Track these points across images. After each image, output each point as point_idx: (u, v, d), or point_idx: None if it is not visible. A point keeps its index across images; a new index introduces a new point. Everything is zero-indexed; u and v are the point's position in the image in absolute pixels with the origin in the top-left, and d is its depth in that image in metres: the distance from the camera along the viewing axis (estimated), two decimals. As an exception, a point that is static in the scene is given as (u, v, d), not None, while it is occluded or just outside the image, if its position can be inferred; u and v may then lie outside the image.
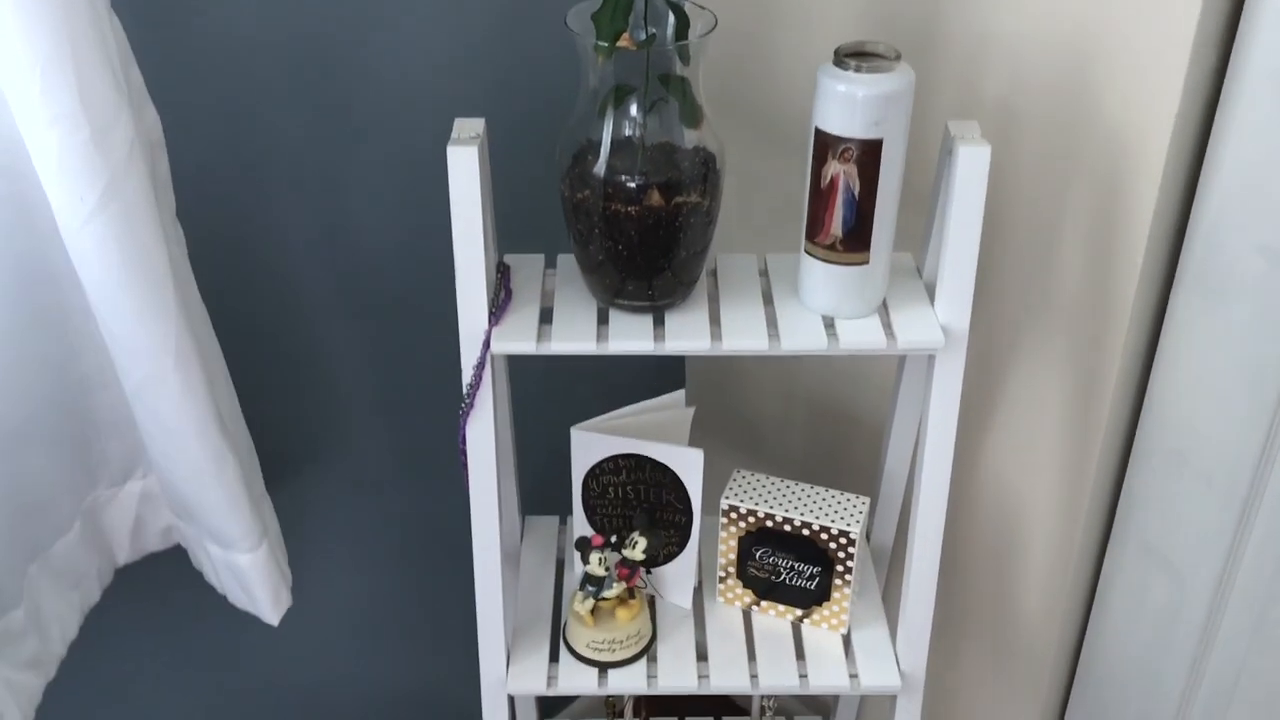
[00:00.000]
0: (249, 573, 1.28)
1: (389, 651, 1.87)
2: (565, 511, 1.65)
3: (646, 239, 1.26)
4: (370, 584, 1.79)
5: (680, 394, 1.57)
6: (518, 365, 1.52)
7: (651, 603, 1.61)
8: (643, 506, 1.57)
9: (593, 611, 1.52)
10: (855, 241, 1.28)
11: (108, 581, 1.37)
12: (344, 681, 1.83)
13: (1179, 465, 1.54)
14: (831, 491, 1.54)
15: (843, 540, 1.50)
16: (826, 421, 1.92)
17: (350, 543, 1.72)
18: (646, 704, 1.99)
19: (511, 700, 1.55)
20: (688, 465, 1.51)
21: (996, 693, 1.86)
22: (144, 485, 1.35)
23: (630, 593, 1.53)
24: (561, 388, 1.77)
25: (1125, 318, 1.46)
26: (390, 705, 1.91)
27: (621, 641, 1.51)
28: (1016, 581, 1.74)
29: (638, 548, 1.50)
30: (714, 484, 1.54)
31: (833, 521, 1.50)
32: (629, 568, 1.51)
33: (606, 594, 1.50)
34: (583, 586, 1.51)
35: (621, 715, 1.89)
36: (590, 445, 1.54)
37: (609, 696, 1.87)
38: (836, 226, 1.27)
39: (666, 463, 1.52)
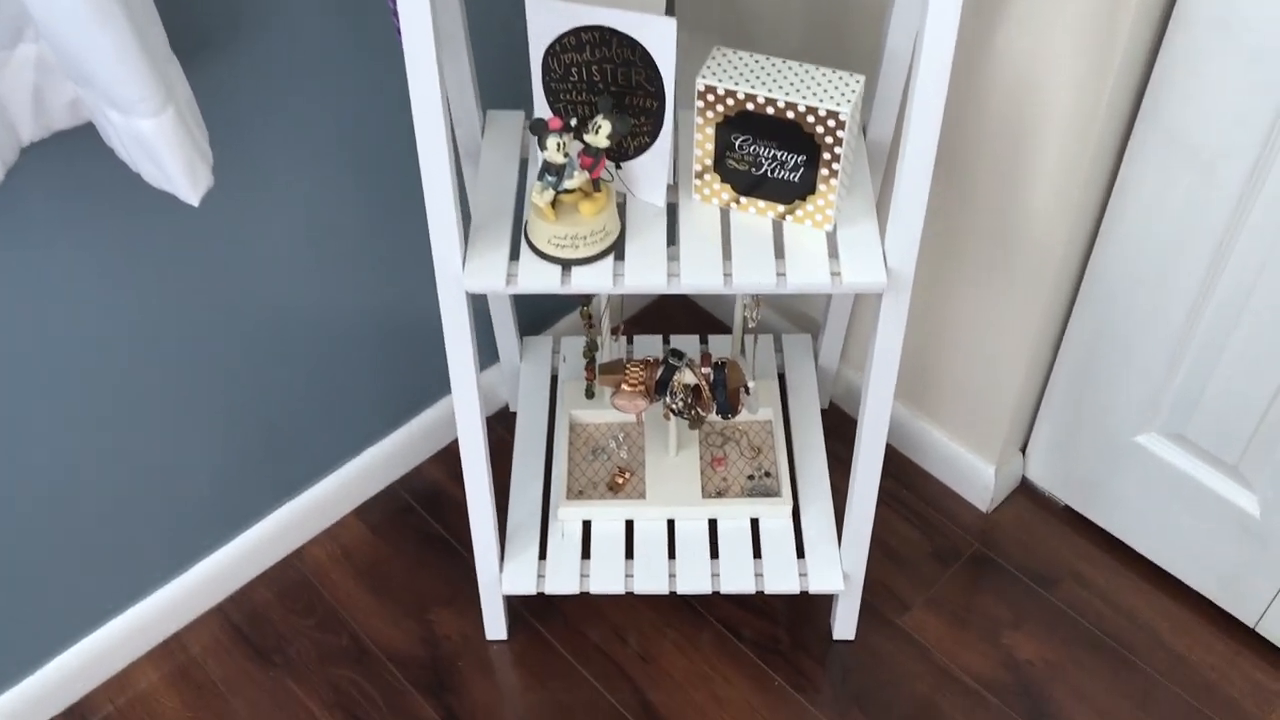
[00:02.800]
0: (154, 141, 1.14)
1: (343, 261, 1.76)
2: (532, 106, 1.48)
3: None
4: (317, 185, 1.65)
5: (653, -42, 1.37)
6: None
7: (623, 205, 1.48)
8: (609, 89, 1.40)
9: (554, 205, 1.39)
10: None
11: (12, 160, 1.24)
12: (296, 293, 1.73)
13: (1221, 38, 1.35)
14: (822, 70, 1.37)
15: (831, 124, 1.34)
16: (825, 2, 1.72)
17: (291, 136, 1.56)
18: (625, 325, 1.90)
19: (470, 300, 1.44)
20: (659, 38, 1.33)
21: (998, 292, 1.75)
22: (38, 51, 1.19)
23: (595, 185, 1.38)
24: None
25: None
26: (346, 318, 1.82)
27: (585, 237, 1.38)
28: (1027, 173, 1.59)
29: (601, 132, 1.35)
30: (695, 71, 1.37)
31: (821, 101, 1.33)
32: (592, 155, 1.36)
33: (568, 184, 1.36)
34: (541, 176, 1.37)
35: (600, 332, 1.80)
36: (549, 15, 1.36)
37: (584, 310, 1.77)
38: None
39: (635, 36, 1.34)
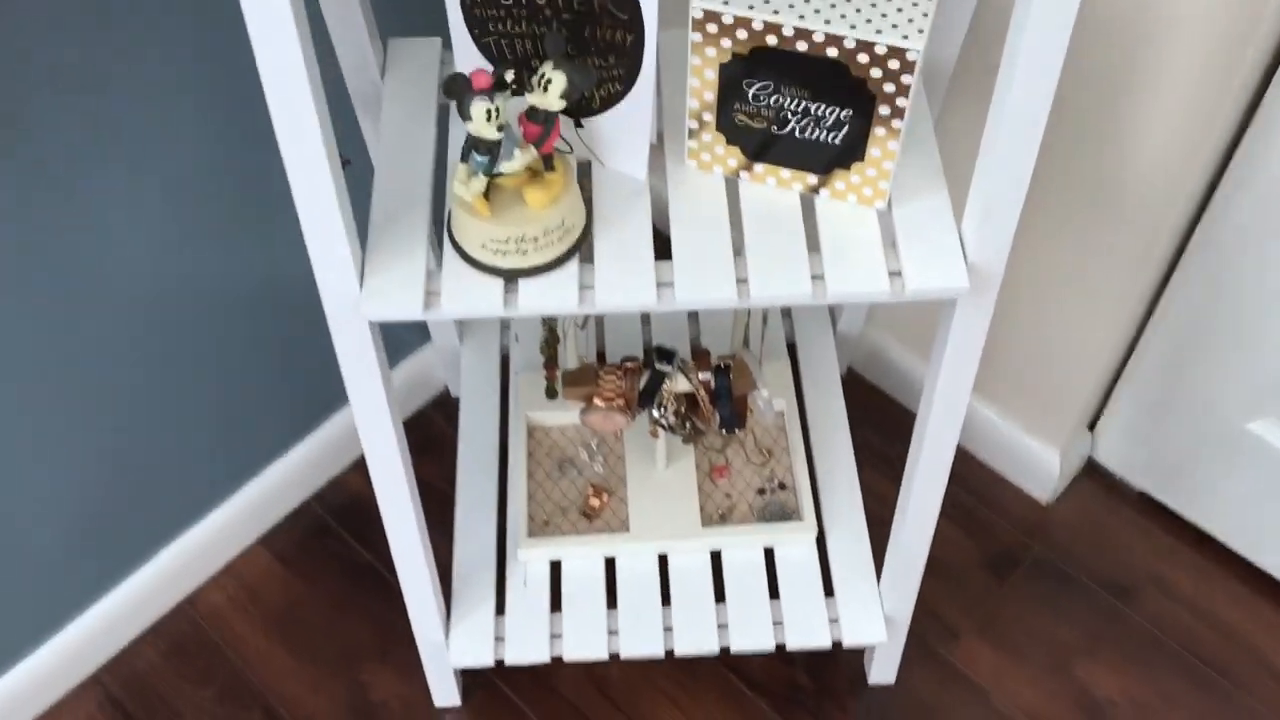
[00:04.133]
0: None
1: (215, 233, 1.31)
2: (449, 32, 1.03)
3: None
4: (172, 142, 1.20)
5: None
6: None
7: (586, 179, 1.04)
8: (560, 18, 0.95)
9: (489, 195, 0.95)
10: None
11: None
12: (161, 278, 1.29)
13: None
14: (875, -18, 0.92)
15: (894, 65, 0.90)
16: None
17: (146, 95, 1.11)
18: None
19: (377, 329, 1.02)
20: (632, -58, 0.88)
21: (1082, 247, 1.35)
22: None
23: (547, 162, 0.95)
24: None
25: None
26: (227, 306, 1.38)
27: (536, 239, 0.95)
28: (1141, 106, 1.17)
29: (552, 89, 0.91)
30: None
31: (880, 33, 0.89)
32: (540, 123, 0.92)
33: (505, 168, 0.92)
34: (467, 156, 0.93)
35: (556, 342, 1.37)
36: (463, -88, 0.90)
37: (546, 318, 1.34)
38: None
39: (596, -61, 0.88)
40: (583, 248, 0.99)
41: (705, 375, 1.27)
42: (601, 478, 1.45)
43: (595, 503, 1.42)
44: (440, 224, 1.07)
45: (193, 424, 1.43)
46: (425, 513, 1.22)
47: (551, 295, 0.97)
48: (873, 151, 0.97)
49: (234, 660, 1.51)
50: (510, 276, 0.97)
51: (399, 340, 1.61)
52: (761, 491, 1.44)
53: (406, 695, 1.48)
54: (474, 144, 0.91)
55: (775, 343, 1.56)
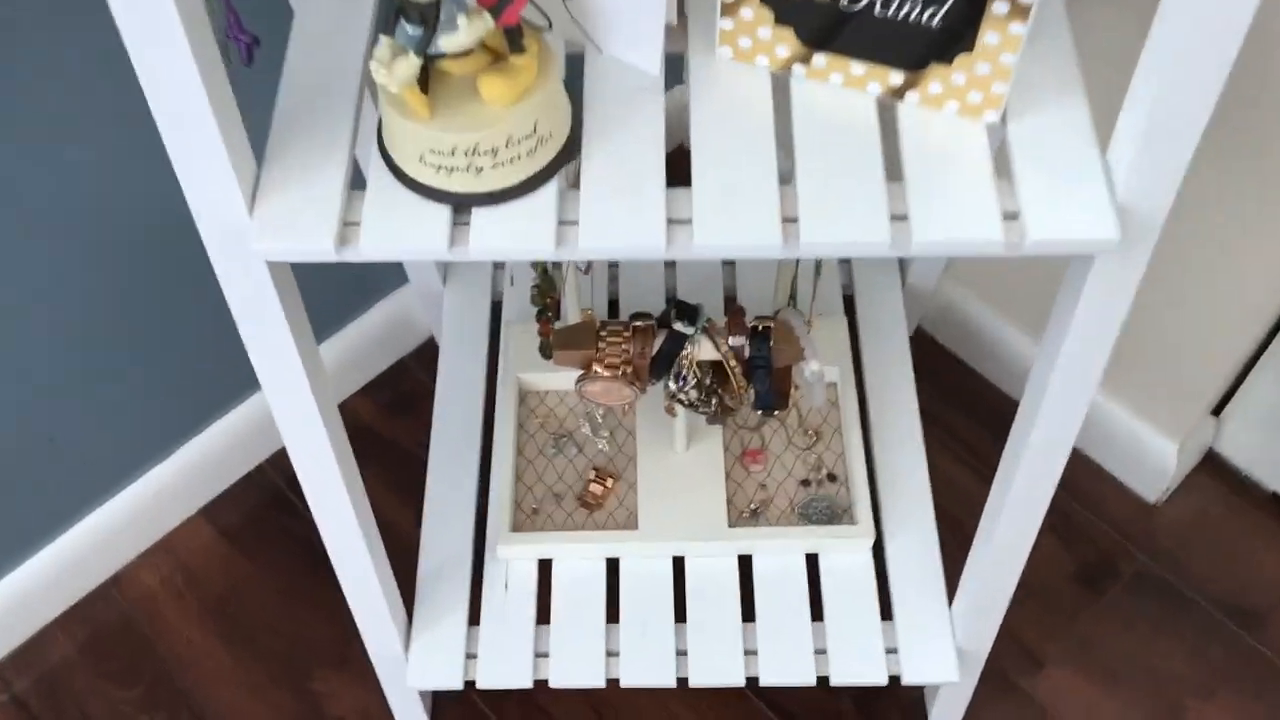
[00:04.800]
0: None
1: (132, 159, 1.03)
2: None
3: None
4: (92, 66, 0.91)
5: None
6: None
7: (575, 72, 0.75)
8: None
9: (425, 86, 0.66)
10: None
11: None
12: (81, 199, 1.01)
13: None
14: None
15: (1033, -101, 0.60)
16: None
17: None
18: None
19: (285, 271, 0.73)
20: None
21: (1234, 190, 1.04)
22: None
23: (511, 41, 0.65)
24: None
25: None
26: (155, 220, 1.11)
27: (495, 151, 0.66)
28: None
29: (515, -75, 0.61)
30: None
31: None
32: (499, -22, 0.62)
33: (446, 45, 0.63)
34: (391, 29, 0.63)
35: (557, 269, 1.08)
36: None
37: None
38: None
39: None
40: (565, 168, 0.70)
41: (738, 340, 0.98)
42: (606, 458, 1.17)
43: (597, 489, 1.14)
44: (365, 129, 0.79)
45: (121, 368, 1.17)
46: (397, 483, 0.96)
47: (517, 233, 0.68)
48: (987, 38, 0.67)
49: (163, 656, 1.26)
50: (460, 204, 0.69)
51: (372, 279, 1.33)
52: (806, 483, 1.15)
53: (369, 710, 1.22)
54: (402, 7, 0.62)
55: (829, 297, 1.26)
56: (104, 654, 1.26)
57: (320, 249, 0.68)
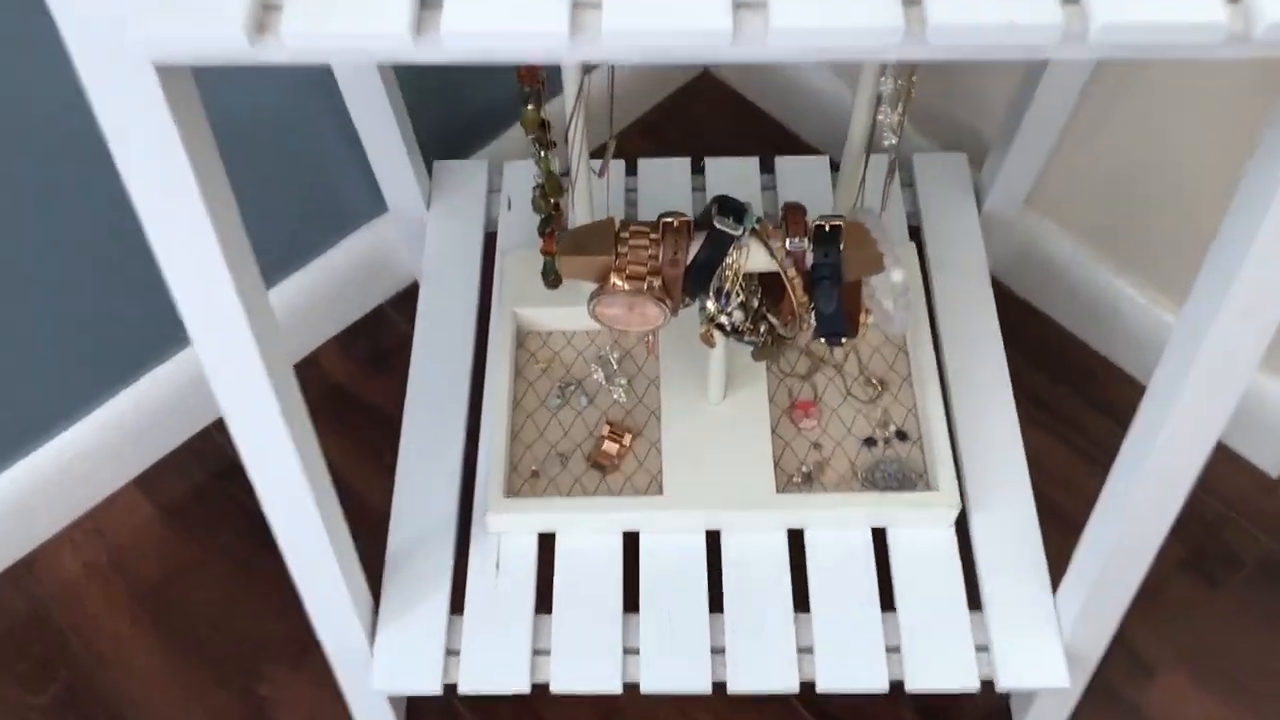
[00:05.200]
0: None
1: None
2: None
3: None
4: None
5: None
6: None
7: None
8: None
9: None
10: None
11: None
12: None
13: None
14: None
15: None
16: None
17: None
18: (621, 141, 0.97)
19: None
20: None
21: None
22: None
23: None
24: None
25: None
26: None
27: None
28: None
29: None
30: None
31: None
32: None
33: None
34: None
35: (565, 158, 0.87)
36: None
37: (530, 111, 0.82)
38: None
39: None
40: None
41: (797, 244, 0.76)
42: (624, 411, 0.95)
43: (612, 448, 0.92)
44: None
45: (41, 306, 0.95)
46: (374, 451, 0.76)
47: (510, 9, 0.47)
48: None
49: (83, 654, 1.04)
50: (429, -27, 0.47)
51: (343, 207, 1.11)
52: (870, 442, 0.93)
53: (329, 715, 1.00)
54: None
55: (892, 220, 1.04)
56: (11, 651, 1.04)
57: (227, 40, 0.47)
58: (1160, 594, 1.04)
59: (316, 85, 0.99)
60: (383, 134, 1.01)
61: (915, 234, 1.06)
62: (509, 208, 1.06)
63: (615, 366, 0.97)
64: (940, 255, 1.04)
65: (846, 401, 0.95)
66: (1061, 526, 0.92)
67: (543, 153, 0.83)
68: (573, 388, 0.96)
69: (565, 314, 0.98)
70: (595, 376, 0.96)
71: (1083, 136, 1.04)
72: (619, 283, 0.77)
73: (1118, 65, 0.96)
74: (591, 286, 0.79)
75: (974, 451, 0.93)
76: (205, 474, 1.13)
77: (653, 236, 0.76)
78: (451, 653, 0.87)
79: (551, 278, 0.92)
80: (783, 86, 1.28)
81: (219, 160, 0.57)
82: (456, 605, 0.88)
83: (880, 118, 0.79)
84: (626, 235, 0.77)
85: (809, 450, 0.93)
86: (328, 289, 1.15)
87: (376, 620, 0.88)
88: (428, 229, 1.07)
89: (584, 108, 0.81)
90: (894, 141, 0.80)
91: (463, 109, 1.13)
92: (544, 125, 0.80)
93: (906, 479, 0.91)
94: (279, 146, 1.01)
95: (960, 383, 0.96)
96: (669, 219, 0.77)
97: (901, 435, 0.93)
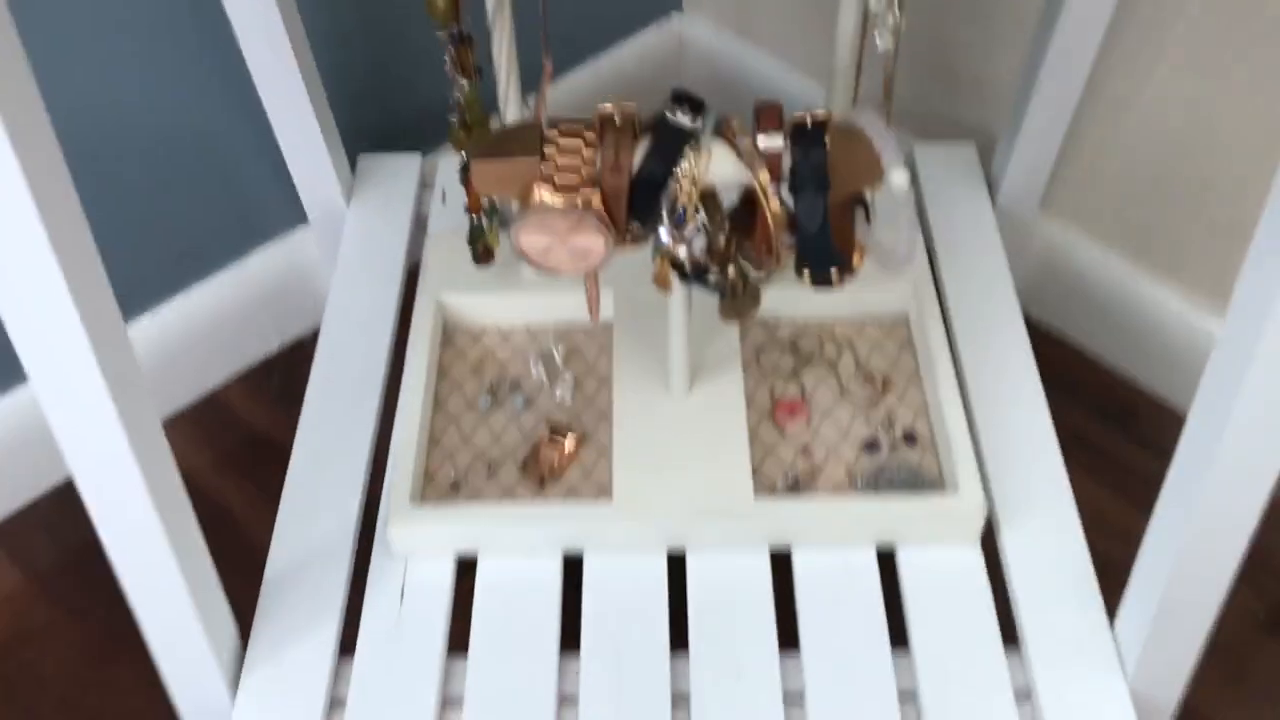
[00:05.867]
0: None
1: None
2: None
3: None
4: None
5: None
6: None
7: None
8: None
9: None
10: None
11: None
12: None
13: None
14: None
15: None
16: None
17: None
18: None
19: None
20: None
21: None
22: None
23: None
24: None
25: None
26: None
27: None
28: None
29: None
30: None
31: None
32: None
33: None
34: None
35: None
36: None
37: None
38: None
39: None
40: None
41: (772, 141, 0.60)
42: (566, 411, 0.77)
43: (551, 453, 0.75)
44: None
45: None
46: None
47: None
48: None
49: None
50: None
51: (254, 214, 0.96)
52: (872, 447, 0.75)
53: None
54: None
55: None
56: None
57: None
58: (1235, 654, 0.84)
59: (216, 71, 0.85)
60: (298, 124, 0.87)
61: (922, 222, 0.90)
62: (443, 201, 0.91)
63: (560, 363, 0.80)
64: (951, 252, 0.88)
65: (842, 401, 0.78)
66: (1105, 578, 0.73)
67: (459, 67, 0.68)
68: (507, 386, 0.79)
69: (500, 303, 0.81)
70: (535, 373, 0.79)
71: (1104, 119, 0.89)
72: (546, 196, 0.61)
73: (1138, 28, 0.83)
74: (514, 215, 0.63)
75: (1000, 453, 0.75)
76: (75, 530, 0.94)
77: (589, 136, 0.61)
78: (336, 704, 0.67)
79: (480, 245, 0.76)
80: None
81: (55, 147, 0.43)
82: (348, 645, 0.69)
83: (872, 4, 0.64)
84: (556, 135, 0.61)
85: (796, 455, 0.75)
86: (233, 312, 0.98)
87: (243, 666, 0.68)
88: (345, 224, 0.91)
89: (509, 7, 0.66)
90: (890, 48, 0.65)
91: (394, 100, 0.99)
92: (456, 14, 0.65)
93: (919, 485, 0.73)
94: (173, 141, 0.87)
95: (977, 379, 0.79)
96: (612, 114, 0.61)
97: (910, 438, 0.76)
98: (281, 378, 1.02)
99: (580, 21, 1.08)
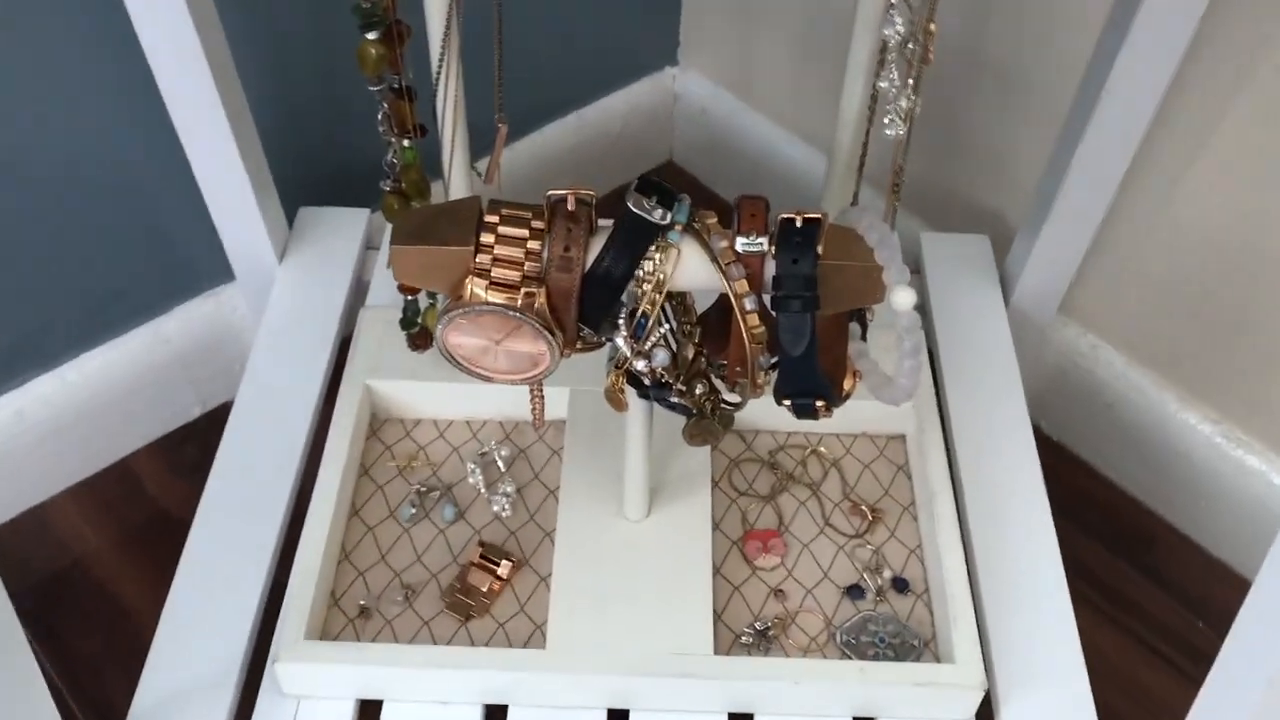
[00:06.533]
0: None
1: None
2: None
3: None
4: None
5: None
6: None
7: None
8: None
9: None
10: None
11: None
12: None
13: None
14: None
15: None
16: None
17: None
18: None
19: None
20: None
21: None
22: None
23: None
24: None
25: None
26: None
27: None
28: None
29: None
30: None
31: None
32: None
33: None
34: None
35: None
36: None
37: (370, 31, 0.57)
38: None
39: None
40: None
41: (754, 242, 0.50)
42: (508, 531, 0.66)
43: (481, 580, 0.64)
44: None
45: None
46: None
47: None
48: None
49: None
50: None
51: (177, 263, 0.85)
52: (856, 592, 0.64)
53: None
54: None
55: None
56: None
57: None
58: None
59: (138, 108, 0.75)
60: (222, 167, 0.76)
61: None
62: (389, 265, 0.80)
63: (502, 468, 0.69)
64: (957, 356, 0.77)
65: (824, 534, 0.67)
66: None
67: (395, 124, 0.57)
68: (437, 494, 0.68)
69: (437, 393, 0.70)
70: (472, 480, 0.68)
71: (1139, 218, 0.79)
72: (479, 292, 0.50)
73: (1180, 128, 0.73)
74: (441, 311, 0.52)
75: (1003, 611, 0.64)
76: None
77: (535, 225, 0.50)
78: None
79: (415, 329, 0.66)
80: (749, 173, 1.04)
81: None
82: (217, 809, 0.58)
83: (883, 84, 0.54)
84: (495, 220, 0.50)
85: (767, 599, 0.64)
86: (152, 373, 0.87)
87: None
88: (275, 284, 0.80)
89: (456, 47, 0.56)
90: (900, 133, 0.55)
91: (342, 151, 0.89)
92: (392, 61, 0.55)
93: (907, 646, 0.62)
94: (85, 180, 0.77)
95: (983, 509, 0.68)
96: (564, 198, 0.50)
97: (901, 585, 0.65)
98: (198, 449, 0.90)
99: (565, 69, 0.98)
